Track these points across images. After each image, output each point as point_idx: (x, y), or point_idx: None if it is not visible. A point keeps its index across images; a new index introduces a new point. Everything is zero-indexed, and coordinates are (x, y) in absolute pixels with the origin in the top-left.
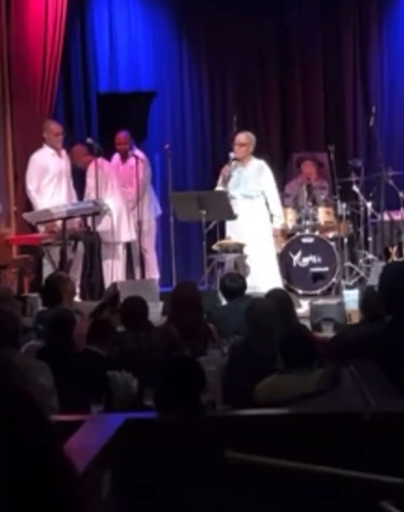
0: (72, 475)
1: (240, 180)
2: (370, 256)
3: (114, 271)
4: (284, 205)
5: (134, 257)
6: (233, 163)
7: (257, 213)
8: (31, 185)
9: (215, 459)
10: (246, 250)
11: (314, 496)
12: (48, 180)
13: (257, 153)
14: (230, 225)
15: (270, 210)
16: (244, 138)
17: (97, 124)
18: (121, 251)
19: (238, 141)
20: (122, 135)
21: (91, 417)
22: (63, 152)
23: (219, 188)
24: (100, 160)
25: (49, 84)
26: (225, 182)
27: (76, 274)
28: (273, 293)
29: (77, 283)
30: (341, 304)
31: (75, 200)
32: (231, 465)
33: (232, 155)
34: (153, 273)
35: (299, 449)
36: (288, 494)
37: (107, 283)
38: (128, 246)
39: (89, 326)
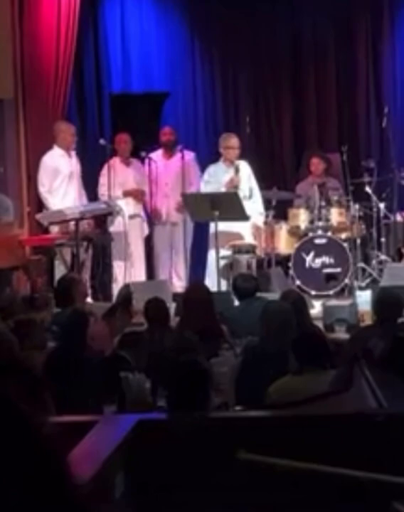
0: (70, 484)
1: (238, 183)
2: (383, 257)
3: (127, 272)
4: (296, 206)
5: (157, 258)
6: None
7: (253, 213)
8: (43, 187)
9: (228, 460)
10: None
11: (327, 497)
12: (60, 181)
13: (271, 154)
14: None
15: (258, 208)
16: (237, 141)
17: (109, 125)
18: (135, 251)
19: (233, 144)
20: (167, 128)
21: (103, 418)
22: (73, 153)
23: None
24: (113, 160)
25: (62, 85)
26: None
27: (87, 276)
28: (288, 294)
29: (88, 284)
30: (354, 305)
31: (85, 200)
32: (244, 466)
33: (238, 163)
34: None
35: (311, 450)
36: (301, 495)
37: (119, 284)
38: (148, 245)
39: (120, 337)
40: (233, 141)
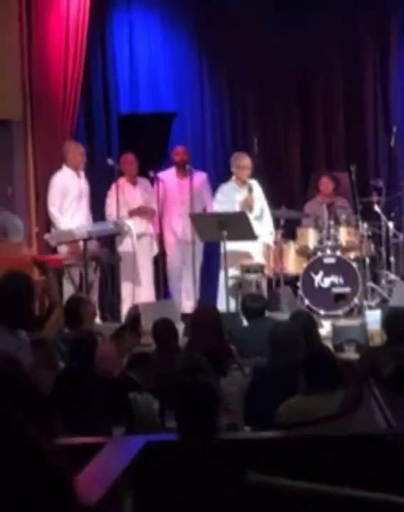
0: (78, 506)
1: (252, 202)
2: (392, 276)
3: (135, 292)
4: (304, 225)
5: (171, 275)
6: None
7: (263, 233)
8: (53, 206)
9: (238, 481)
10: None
11: None
12: (69, 201)
13: (279, 173)
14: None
15: (268, 228)
16: (248, 160)
17: (117, 145)
18: (143, 272)
19: (245, 164)
20: (180, 147)
21: (112, 440)
22: (82, 173)
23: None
24: (120, 180)
25: (70, 105)
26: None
27: (95, 296)
28: (298, 314)
29: (97, 305)
30: (363, 325)
31: (91, 221)
32: (254, 487)
33: (251, 183)
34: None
35: (322, 470)
36: None
37: (128, 305)
38: (157, 264)
39: (129, 357)
40: (245, 160)
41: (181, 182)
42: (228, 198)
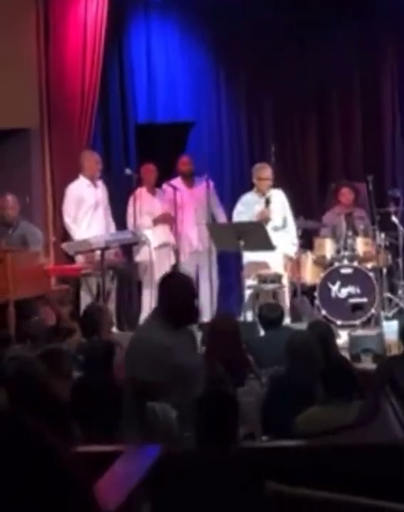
0: (95, 510)
1: (268, 215)
2: None
3: (154, 302)
4: (322, 236)
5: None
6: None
7: (285, 244)
8: (68, 217)
9: (256, 492)
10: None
11: None
12: (84, 211)
13: (296, 183)
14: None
15: (291, 238)
16: (270, 172)
17: (135, 155)
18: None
19: (266, 175)
20: (186, 158)
21: (129, 449)
22: (99, 182)
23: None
24: (139, 190)
25: (87, 114)
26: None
27: (112, 305)
28: (315, 324)
29: (114, 314)
30: (380, 335)
31: (113, 230)
32: (272, 498)
33: (270, 195)
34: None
35: (340, 481)
36: None
37: (146, 314)
38: None
39: None
40: (266, 172)
41: (191, 191)
42: (248, 209)
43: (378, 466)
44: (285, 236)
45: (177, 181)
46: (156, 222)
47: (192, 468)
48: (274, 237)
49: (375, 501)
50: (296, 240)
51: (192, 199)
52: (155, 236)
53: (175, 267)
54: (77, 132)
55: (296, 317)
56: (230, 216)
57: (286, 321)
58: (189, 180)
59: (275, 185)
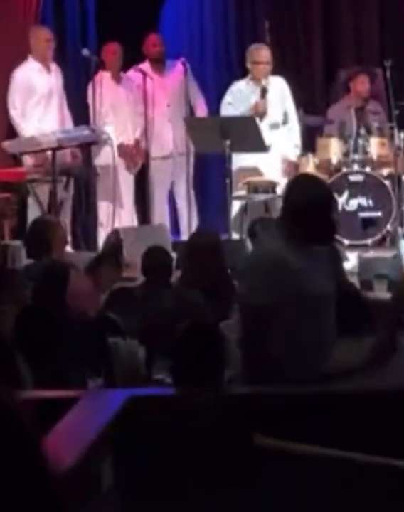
0: (47, 472)
1: (264, 109)
2: None
3: (115, 214)
4: (327, 134)
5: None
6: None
7: (285, 144)
8: (15, 109)
9: (241, 445)
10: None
11: (354, 489)
12: (35, 101)
13: (296, 70)
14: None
15: (293, 138)
16: (268, 54)
17: (94, 32)
18: (126, 189)
19: (262, 58)
20: (156, 37)
21: (88, 393)
22: (54, 66)
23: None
24: (99, 75)
25: None
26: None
27: (67, 219)
28: None
29: (68, 229)
30: (397, 257)
31: (70, 125)
32: (261, 452)
33: (266, 83)
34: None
35: (340, 433)
36: (325, 486)
37: (106, 230)
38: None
39: (108, 295)
40: (263, 54)
41: (162, 80)
42: (241, 101)
43: (392, 415)
44: (286, 135)
45: (145, 66)
46: (122, 154)
47: (165, 417)
48: (272, 136)
49: (379, 458)
50: (299, 141)
51: (164, 90)
52: (116, 134)
53: (141, 173)
54: (23, 6)
55: None
56: (212, 111)
57: None
58: (160, 65)
59: (274, 72)
